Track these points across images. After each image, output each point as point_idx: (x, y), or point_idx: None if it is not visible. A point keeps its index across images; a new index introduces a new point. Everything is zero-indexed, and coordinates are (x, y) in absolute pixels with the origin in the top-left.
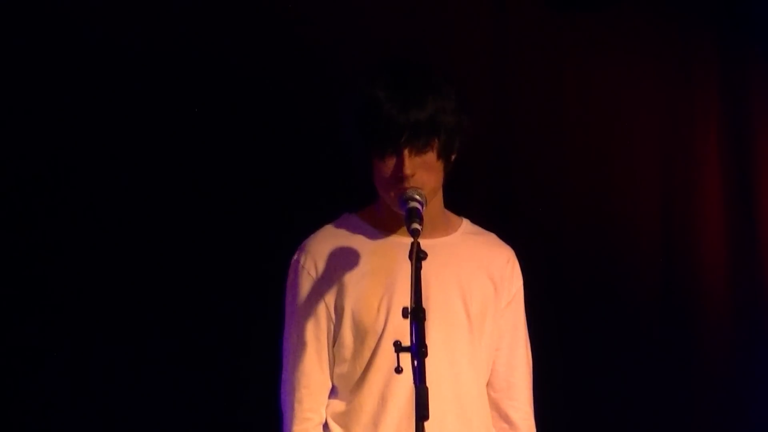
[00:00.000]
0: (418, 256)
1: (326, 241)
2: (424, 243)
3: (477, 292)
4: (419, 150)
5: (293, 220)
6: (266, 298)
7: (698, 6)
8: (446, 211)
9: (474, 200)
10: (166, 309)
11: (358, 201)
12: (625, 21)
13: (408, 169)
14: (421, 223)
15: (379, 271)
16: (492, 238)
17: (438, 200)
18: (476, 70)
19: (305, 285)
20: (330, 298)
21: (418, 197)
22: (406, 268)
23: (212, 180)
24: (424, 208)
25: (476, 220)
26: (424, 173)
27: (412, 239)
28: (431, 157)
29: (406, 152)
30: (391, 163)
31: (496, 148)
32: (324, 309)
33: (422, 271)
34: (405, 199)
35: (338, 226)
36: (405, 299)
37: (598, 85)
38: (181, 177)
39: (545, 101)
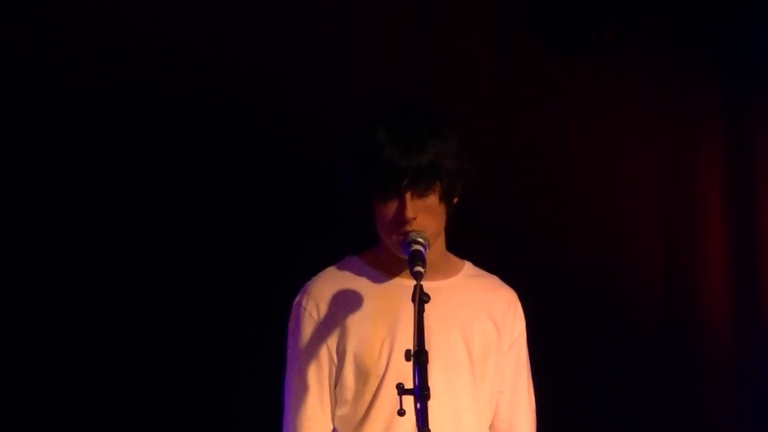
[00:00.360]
0: (420, 299)
1: (328, 283)
2: (426, 285)
3: (479, 334)
4: (421, 194)
5: (295, 262)
6: (269, 341)
7: (700, 50)
8: (448, 253)
9: (477, 242)
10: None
11: (360, 243)
12: (627, 65)
13: (410, 213)
14: (424, 265)
15: (381, 313)
16: (494, 280)
17: (440, 243)
18: (478, 114)
19: (307, 327)
20: (332, 340)
21: (421, 240)
22: (408, 310)
23: (219, 220)
24: (427, 250)
25: (479, 263)
26: (426, 217)
27: (414, 282)
28: (433, 200)
29: (407, 196)
30: (392, 206)
31: (499, 191)
32: (326, 351)
33: (426, 314)
34: (408, 242)
35: (341, 268)
36: (407, 342)
37: (601, 128)
38: (193, 214)
39: (548, 144)
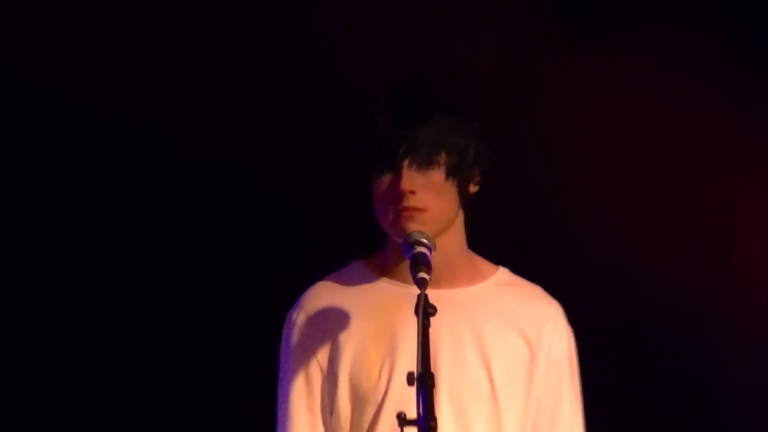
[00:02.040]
0: (425, 311)
1: (324, 293)
2: (440, 294)
3: (504, 354)
4: (421, 165)
5: (299, 267)
6: (265, 355)
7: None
8: (473, 255)
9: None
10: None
11: (368, 246)
12: (661, 43)
13: (406, 184)
14: (429, 271)
15: (382, 328)
16: (534, 290)
17: (457, 239)
18: (486, 101)
19: (297, 345)
20: (324, 360)
21: (425, 241)
22: (414, 324)
23: (218, 218)
24: (432, 253)
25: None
26: (427, 194)
27: (430, 291)
28: (437, 176)
29: (405, 164)
30: (388, 181)
31: (511, 187)
32: (318, 373)
33: (435, 329)
34: (410, 243)
35: (341, 276)
36: (411, 362)
37: (633, 117)
38: (187, 218)
39: (567, 136)
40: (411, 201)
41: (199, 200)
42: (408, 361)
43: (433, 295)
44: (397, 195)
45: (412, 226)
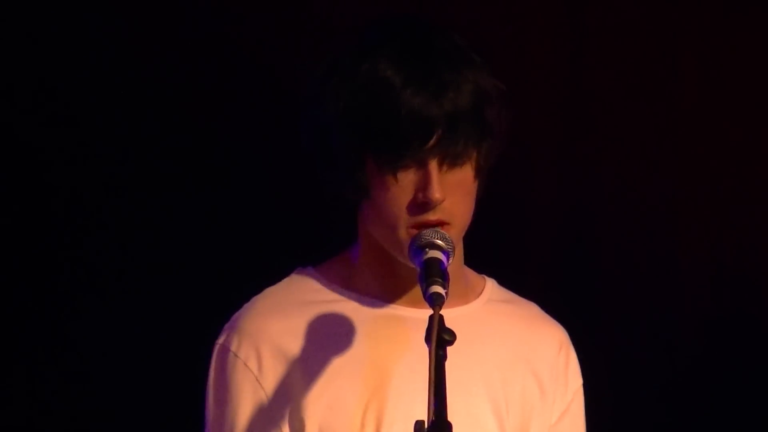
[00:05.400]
0: (440, 339)
1: (269, 317)
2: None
3: (517, 395)
4: (453, 161)
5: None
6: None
7: None
8: (464, 265)
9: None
10: None
11: (315, 248)
12: None
13: (437, 191)
14: (446, 284)
15: (362, 362)
16: (532, 309)
17: (459, 252)
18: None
19: (243, 386)
20: (283, 408)
21: (441, 243)
22: (407, 357)
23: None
24: (451, 259)
25: (541, 272)
26: (456, 200)
27: (426, 311)
28: (467, 173)
29: (434, 164)
30: (408, 180)
31: (570, 178)
32: (274, 428)
33: (426, 364)
34: (420, 245)
35: (285, 292)
36: (405, 407)
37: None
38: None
39: (647, 110)
40: (438, 213)
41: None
42: (401, 404)
43: (419, 317)
44: (421, 204)
45: None
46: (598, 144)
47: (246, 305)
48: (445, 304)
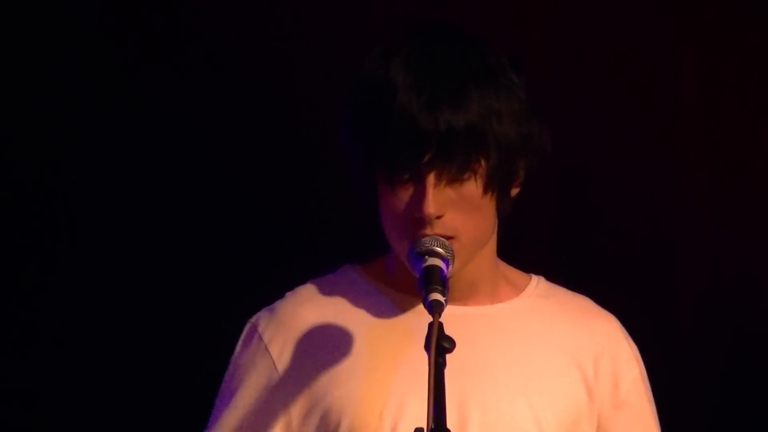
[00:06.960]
0: (439, 347)
1: (305, 306)
2: (467, 312)
3: (559, 395)
4: (453, 177)
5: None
6: None
7: None
8: (502, 263)
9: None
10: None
11: (369, 247)
12: None
13: (431, 207)
14: (445, 292)
15: (384, 359)
16: (583, 302)
17: (488, 254)
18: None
19: (257, 367)
20: (301, 402)
21: (440, 250)
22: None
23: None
24: (451, 267)
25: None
26: (458, 215)
27: (460, 308)
28: (471, 188)
29: (430, 179)
30: (405, 193)
31: (569, 181)
32: (285, 423)
33: (462, 360)
34: (419, 253)
35: (328, 285)
36: (424, 409)
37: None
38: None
39: (650, 105)
40: (437, 227)
41: (189, 198)
42: (423, 404)
43: (457, 313)
44: (417, 218)
45: None
46: (598, 144)
47: (288, 293)
48: (476, 301)
